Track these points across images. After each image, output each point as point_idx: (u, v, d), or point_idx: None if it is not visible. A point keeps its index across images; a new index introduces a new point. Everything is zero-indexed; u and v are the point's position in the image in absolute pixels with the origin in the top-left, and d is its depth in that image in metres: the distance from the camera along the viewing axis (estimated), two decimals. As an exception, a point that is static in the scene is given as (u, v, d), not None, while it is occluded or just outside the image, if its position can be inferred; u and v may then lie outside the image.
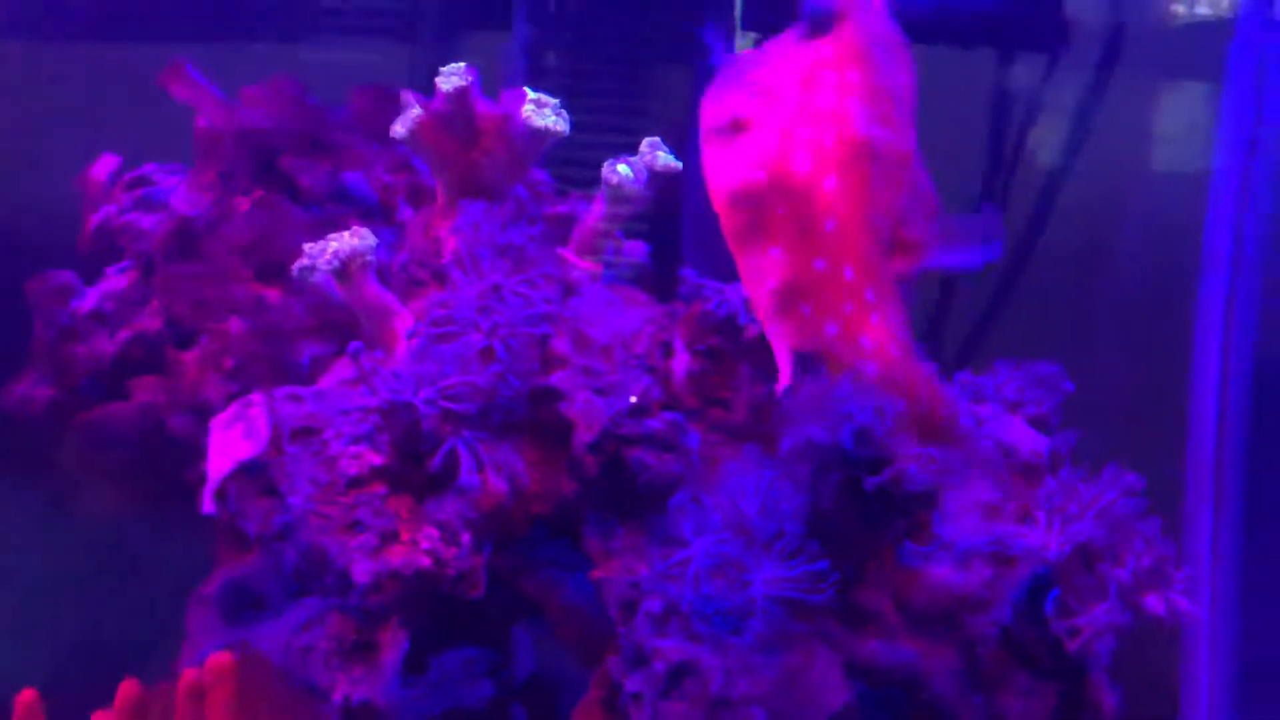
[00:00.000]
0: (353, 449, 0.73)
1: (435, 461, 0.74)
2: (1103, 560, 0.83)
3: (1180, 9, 1.20)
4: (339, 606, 0.78)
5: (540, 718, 0.89)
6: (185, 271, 0.90)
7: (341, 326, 0.87)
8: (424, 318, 0.79)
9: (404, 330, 0.81)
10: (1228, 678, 1.00)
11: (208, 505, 0.77)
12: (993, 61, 1.17)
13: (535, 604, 0.85)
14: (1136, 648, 0.83)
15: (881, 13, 0.65)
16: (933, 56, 1.13)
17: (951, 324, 1.13)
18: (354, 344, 0.77)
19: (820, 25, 0.64)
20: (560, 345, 0.80)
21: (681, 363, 0.84)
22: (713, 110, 0.65)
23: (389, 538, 0.72)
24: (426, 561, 0.73)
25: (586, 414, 0.78)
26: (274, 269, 0.89)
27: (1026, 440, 0.89)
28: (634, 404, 0.78)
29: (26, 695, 0.73)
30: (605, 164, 0.86)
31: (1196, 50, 1.17)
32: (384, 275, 0.85)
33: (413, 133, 0.81)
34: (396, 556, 0.72)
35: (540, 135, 0.82)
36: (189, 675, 0.77)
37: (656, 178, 0.87)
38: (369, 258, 0.80)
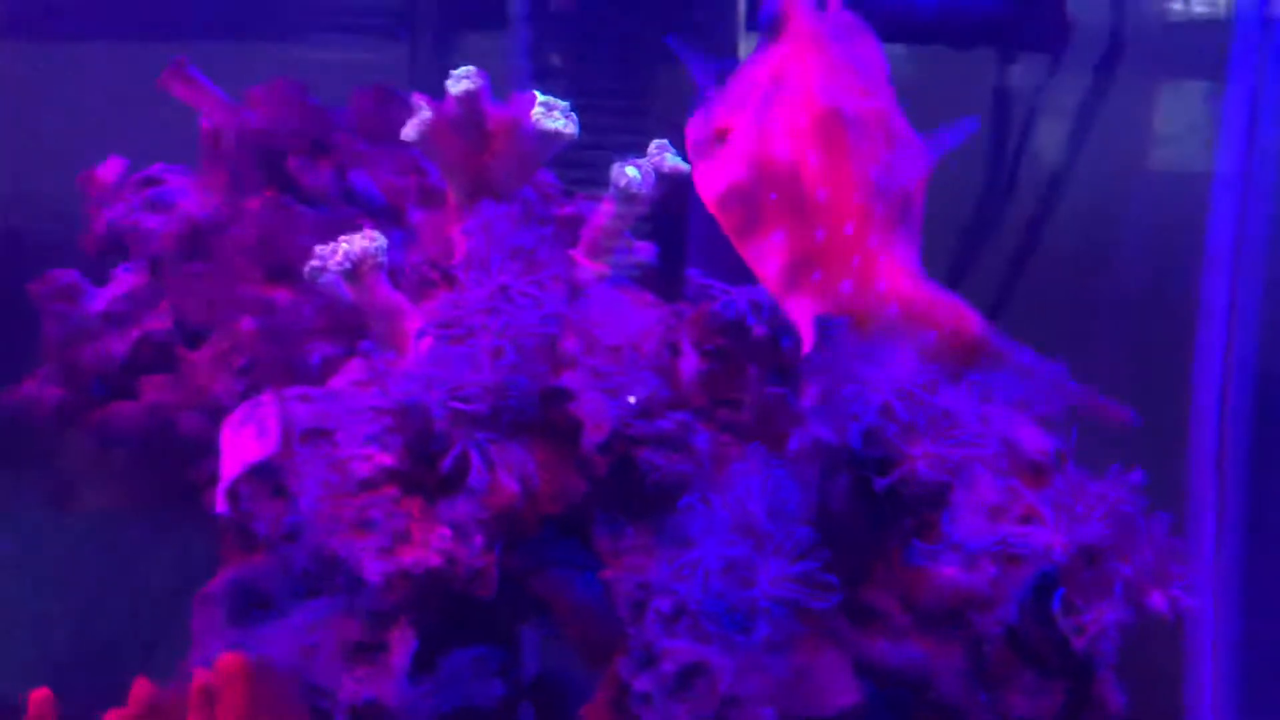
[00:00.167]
0: (364, 450, 0.74)
1: (447, 462, 0.74)
2: (1108, 558, 0.84)
3: (1180, 8, 1.21)
4: (347, 606, 0.78)
5: (549, 717, 0.89)
6: (195, 272, 0.90)
7: (352, 327, 0.87)
8: (435, 319, 0.79)
9: (415, 331, 0.81)
10: (1232, 677, 1.00)
11: (220, 506, 0.77)
12: (994, 62, 1.18)
13: (544, 603, 0.86)
14: (1142, 647, 0.84)
15: (835, 5, 0.68)
16: (935, 57, 1.14)
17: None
18: (366, 344, 0.77)
19: (773, 29, 0.67)
20: (570, 346, 0.81)
21: (690, 363, 0.84)
22: (695, 132, 0.68)
23: (401, 538, 0.73)
24: (438, 561, 0.73)
25: (596, 414, 0.78)
26: (283, 269, 0.90)
27: (1033, 439, 0.90)
28: (635, 403, 0.79)
29: (40, 693, 0.74)
30: (614, 166, 0.86)
31: (1198, 50, 1.17)
32: (395, 276, 0.85)
33: (423, 135, 0.81)
34: (408, 556, 0.73)
35: (550, 138, 0.82)
36: (200, 677, 0.77)
37: (664, 179, 0.88)
38: (380, 259, 0.80)
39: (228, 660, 0.75)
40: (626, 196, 0.87)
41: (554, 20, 1.18)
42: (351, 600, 0.76)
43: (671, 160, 0.88)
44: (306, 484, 0.74)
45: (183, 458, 1.00)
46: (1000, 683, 0.82)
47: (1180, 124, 1.26)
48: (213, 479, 0.94)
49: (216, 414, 0.90)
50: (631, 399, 0.81)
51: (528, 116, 0.82)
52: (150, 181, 1.00)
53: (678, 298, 0.90)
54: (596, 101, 1.16)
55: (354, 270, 0.80)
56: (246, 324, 0.88)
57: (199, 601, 0.89)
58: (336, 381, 0.81)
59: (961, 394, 0.90)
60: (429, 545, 0.73)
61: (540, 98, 0.83)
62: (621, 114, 1.15)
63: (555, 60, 1.19)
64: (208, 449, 0.97)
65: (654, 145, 0.88)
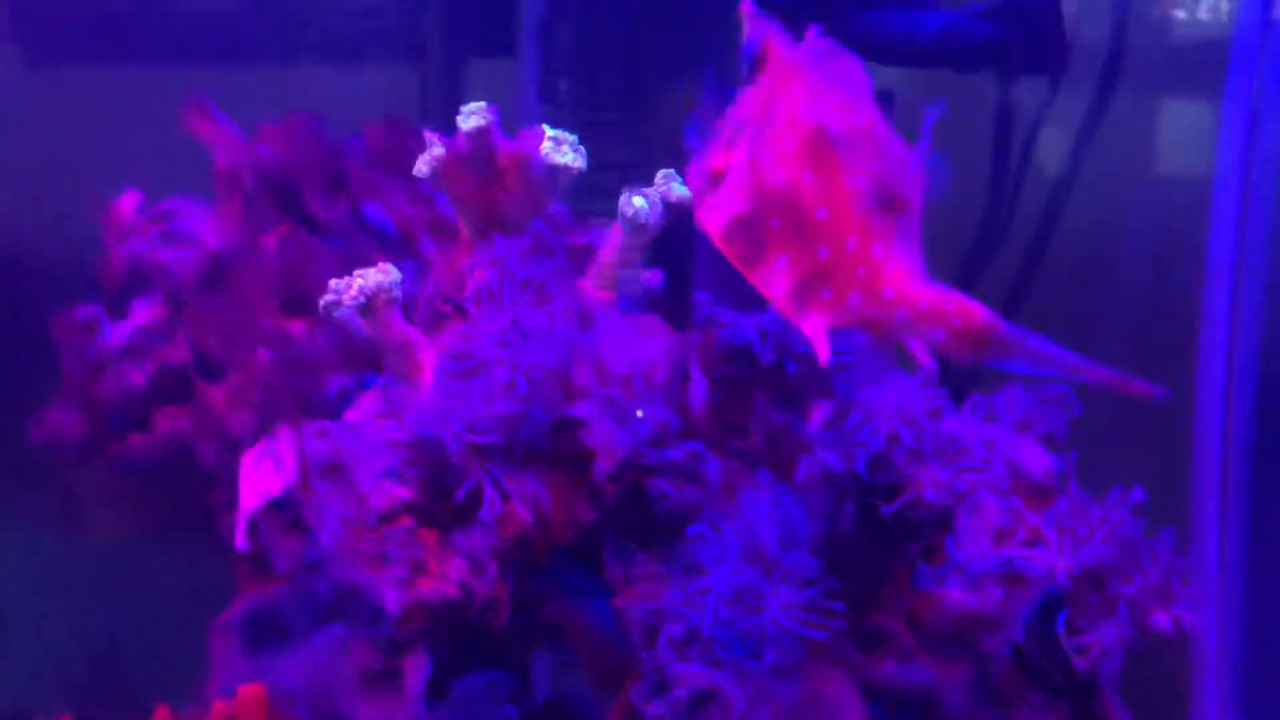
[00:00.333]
0: (381, 483, 0.75)
1: (460, 493, 0.76)
2: (1111, 579, 0.85)
3: (1180, 25, 1.22)
4: (363, 634, 0.80)
5: (562, 743, 0.90)
6: (213, 305, 0.92)
7: (367, 359, 0.89)
8: (449, 352, 0.81)
9: (429, 364, 0.83)
10: (1236, 695, 1.01)
11: (240, 541, 0.79)
12: (995, 84, 1.20)
13: (556, 628, 0.87)
14: (1146, 665, 0.85)
15: (812, 36, 0.70)
16: (938, 80, 1.15)
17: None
18: (381, 378, 0.79)
19: (755, 66, 0.69)
20: (581, 375, 0.82)
21: (699, 391, 0.86)
22: (694, 177, 0.71)
23: (418, 569, 0.74)
24: (454, 592, 0.75)
25: (607, 443, 0.80)
26: (300, 302, 0.91)
27: (1038, 460, 0.91)
28: (644, 418, 0.80)
29: (63, 720, 0.76)
30: (621, 197, 0.88)
31: (1197, 64, 1.19)
32: (408, 307, 0.87)
33: (435, 171, 0.83)
34: (425, 587, 0.74)
35: (559, 172, 0.84)
36: (219, 705, 0.79)
37: (671, 208, 0.89)
38: (394, 293, 0.82)
39: (248, 691, 0.77)
40: (634, 226, 0.89)
41: (562, 48, 1.20)
42: (368, 629, 0.78)
43: (678, 189, 0.89)
44: (325, 517, 0.75)
45: (199, 485, 1.02)
46: (1007, 703, 0.83)
47: (1180, 136, 1.27)
48: (228, 505, 0.96)
49: (233, 445, 0.92)
50: (639, 412, 0.82)
51: (537, 151, 0.84)
52: (167, 215, 1.02)
53: (686, 324, 0.92)
54: (604, 128, 1.18)
55: (369, 304, 0.81)
56: (263, 356, 0.90)
57: (216, 629, 0.90)
58: (352, 415, 0.82)
59: (965, 417, 0.92)
60: (445, 576, 0.74)
61: (549, 132, 0.84)
62: (629, 141, 1.17)
63: (563, 87, 1.20)
64: (224, 478, 0.99)
65: (660, 175, 0.89)
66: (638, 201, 0.88)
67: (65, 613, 1.27)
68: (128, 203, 1.06)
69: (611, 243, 0.90)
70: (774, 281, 0.68)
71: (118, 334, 0.99)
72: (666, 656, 0.76)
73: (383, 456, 0.76)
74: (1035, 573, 0.83)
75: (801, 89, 0.67)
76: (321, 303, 0.82)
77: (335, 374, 0.90)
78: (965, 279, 1.23)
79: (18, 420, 1.12)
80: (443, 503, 0.76)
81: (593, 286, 0.91)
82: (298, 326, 0.92)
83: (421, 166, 0.83)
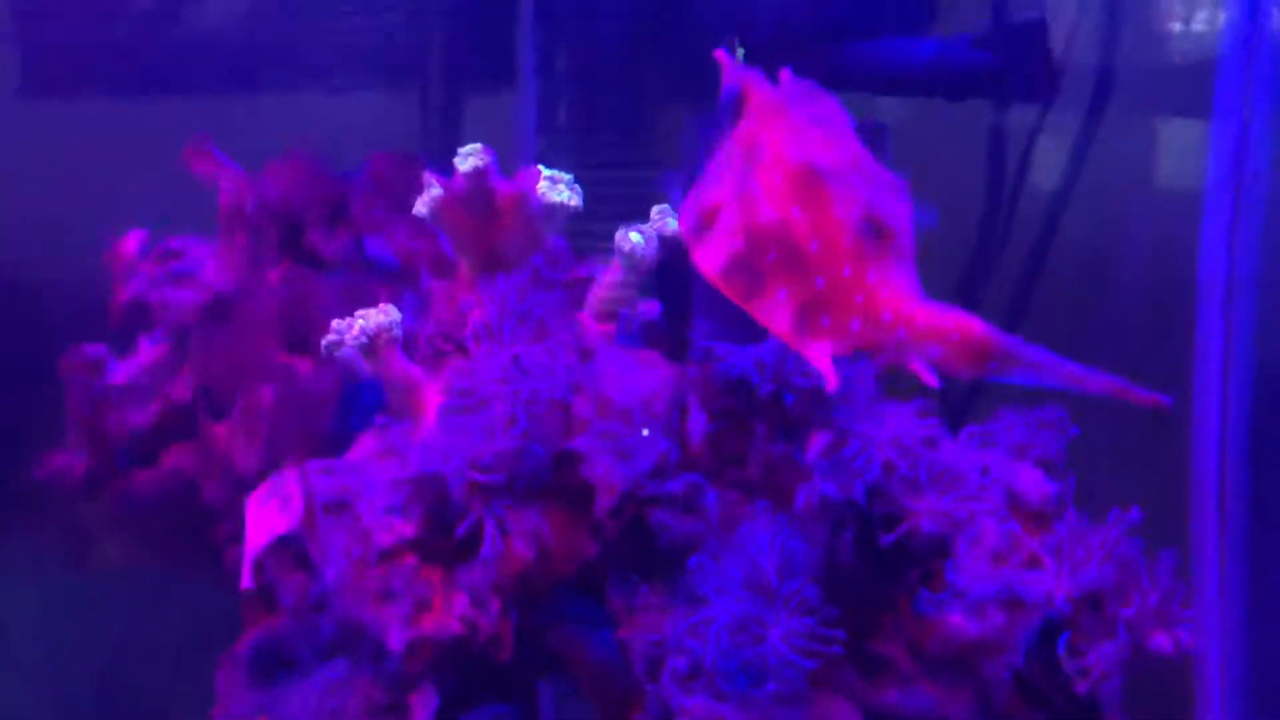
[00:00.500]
0: (385, 520, 0.76)
1: (461, 529, 0.76)
2: (1110, 601, 0.86)
3: (1168, 48, 1.24)
4: (370, 669, 0.81)
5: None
6: (217, 342, 0.93)
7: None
8: (450, 389, 0.82)
9: (430, 401, 0.84)
10: (1240, 712, 1.02)
11: (246, 580, 0.80)
12: (987, 111, 1.21)
13: (560, 660, 0.88)
14: (1149, 687, 0.85)
15: (787, 77, 0.71)
16: (932, 108, 1.17)
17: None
18: (380, 418, 0.80)
19: (735, 110, 0.71)
20: (581, 409, 0.83)
21: (698, 423, 0.87)
22: (687, 222, 0.72)
23: (422, 606, 0.75)
24: (458, 628, 0.75)
25: (607, 477, 0.80)
26: (303, 339, 0.92)
27: (1035, 485, 0.92)
28: (646, 436, 0.81)
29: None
30: (618, 232, 0.89)
31: (1186, 83, 1.20)
32: (410, 343, 0.88)
33: (434, 211, 0.84)
34: (429, 624, 0.75)
35: (556, 210, 0.85)
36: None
37: (666, 242, 0.91)
38: (395, 332, 0.83)
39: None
40: (631, 261, 0.90)
41: (562, 78, 1.22)
42: (374, 665, 0.79)
43: (673, 224, 0.90)
44: (330, 555, 0.76)
45: (203, 520, 1.03)
46: (1010, 728, 0.84)
47: (1172, 153, 1.28)
48: (232, 539, 0.97)
49: (238, 482, 0.93)
50: (645, 431, 0.83)
51: (534, 190, 0.85)
52: (172, 254, 1.03)
53: (684, 355, 0.93)
54: (601, 160, 1.20)
55: (370, 344, 0.83)
56: (267, 394, 0.91)
57: (223, 662, 0.91)
58: (356, 452, 0.83)
59: (962, 445, 0.93)
60: (450, 613, 0.75)
61: (545, 171, 0.86)
62: (625, 173, 1.18)
63: (562, 117, 1.22)
64: (229, 513, 1.00)
65: (656, 210, 0.91)
66: (634, 237, 0.89)
67: (72, 645, 1.27)
68: (131, 241, 1.08)
69: (609, 277, 0.91)
70: (776, 314, 0.69)
71: (123, 372, 1.01)
72: (671, 689, 0.77)
73: (387, 494, 0.77)
74: (1035, 597, 0.83)
75: (784, 128, 0.69)
76: (324, 343, 0.83)
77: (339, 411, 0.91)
78: (965, 299, 1.24)
79: (24, 455, 1.13)
80: (446, 539, 0.77)
81: (591, 320, 0.92)
82: (302, 364, 0.93)
83: (420, 207, 0.85)
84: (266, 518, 0.79)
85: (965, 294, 1.25)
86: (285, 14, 1.37)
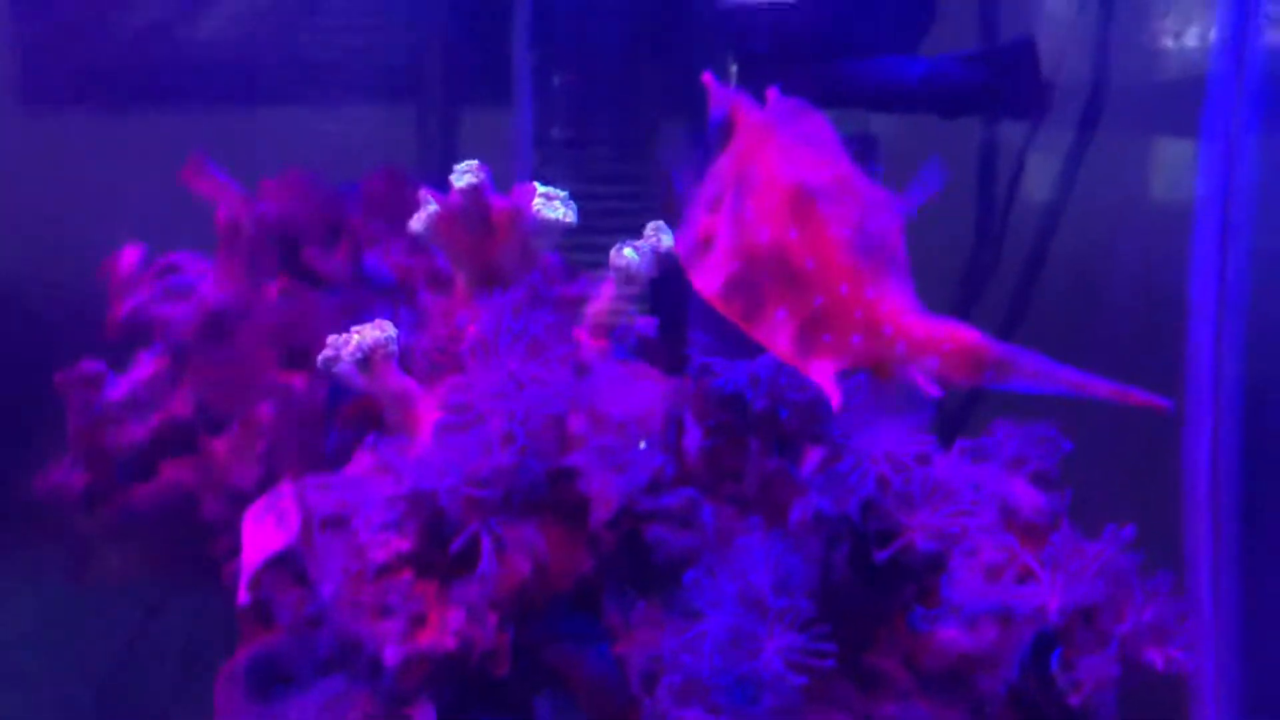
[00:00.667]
0: (381, 536, 0.77)
1: (456, 544, 0.77)
2: (1104, 615, 0.86)
3: (1159, 66, 1.25)
4: (367, 684, 0.81)
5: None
6: (215, 359, 0.94)
7: (367, 409, 0.90)
8: (446, 404, 0.82)
9: (427, 415, 0.84)
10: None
11: (243, 597, 0.80)
12: (979, 127, 1.22)
13: (557, 674, 0.88)
14: (1145, 696, 0.86)
15: (774, 97, 0.72)
16: (924, 124, 1.18)
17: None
18: (371, 436, 0.81)
19: (724, 133, 0.72)
20: (577, 425, 0.84)
21: (694, 439, 0.87)
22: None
23: (417, 621, 0.75)
24: (454, 643, 0.76)
25: (604, 492, 0.81)
26: (300, 355, 0.93)
27: (1028, 499, 0.93)
28: (644, 448, 0.82)
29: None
30: (613, 249, 0.90)
31: (1177, 100, 1.21)
32: (406, 357, 0.89)
33: (429, 228, 0.85)
34: (425, 639, 0.75)
35: (551, 226, 0.86)
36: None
37: (661, 258, 0.91)
38: (391, 348, 0.83)
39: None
40: (626, 277, 0.91)
41: (557, 94, 1.23)
42: (371, 680, 0.79)
43: (667, 240, 0.91)
44: (327, 571, 0.76)
45: (201, 534, 1.03)
46: (1004, 742, 0.84)
47: (1161, 173, 1.29)
48: (231, 553, 0.97)
49: (236, 497, 0.94)
50: (642, 443, 0.84)
51: (529, 207, 0.86)
52: (169, 269, 1.03)
53: (680, 370, 0.93)
54: (596, 176, 1.20)
55: (366, 360, 0.83)
56: (265, 410, 0.91)
57: (222, 676, 0.91)
58: (353, 467, 0.84)
59: (955, 460, 0.93)
60: (445, 628, 0.75)
61: (540, 188, 0.86)
62: (620, 188, 1.19)
63: (557, 133, 1.23)
64: (226, 527, 1.00)
65: (650, 227, 0.91)
66: (628, 253, 0.90)
67: (71, 657, 1.27)
68: (129, 257, 1.08)
69: (604, 293, 0.92)
70: (777, 334, 0.70)
71: (121, 388, 1.01)
72: (667, 704, 0.77)
73: (383, 509, 0.78)
74: (1028, 611, 0.84)
75: (774, 150, 0.70)
76: (320, 359, 0.84)
77: (335, 425, 0.91)
78: (957, 314, 1.24)
79: (23, 468, 1.14)
80: (442, 554, 0.77)
81: (587, 335, 0.93)
82: (298, 380, 0.93)
83: (416, 224, 0.85)
84: (263, 534, 0.79)
85: (957, 309, 1.26)
86: (283, 30, 1.38)
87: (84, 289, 1.19)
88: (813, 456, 0.88)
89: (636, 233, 0.94)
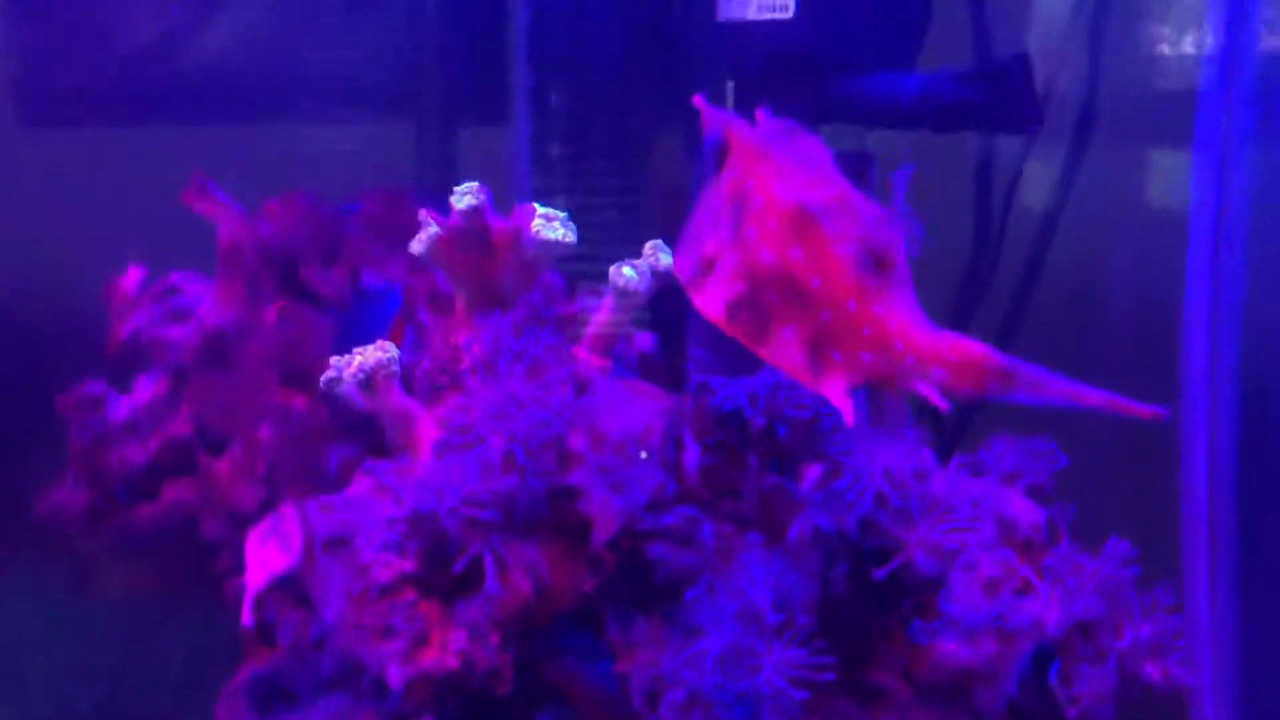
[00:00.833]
0: (383, 557, 0.77)
1: (459, 565, 0.77)
2: (1102, 630, 0.86)
3: (1151, 80, 1.26)
4: (370, 706, 0.81)
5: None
6: (216, 381, 0.94)
7: (367, 428, 0.91)
8: (446, 425, 0.83)
9: (428, 435, 0.85)
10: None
11: (246, 619, 0.80)
12: (974, 142, 1.23)
13: (559, 691, 0.88)
14: (1143, 711, 0.86)
15: (763, 118, 0.73)
16: (920, 140, 1.19)
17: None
18: (368, 461, 0.81)
19: (719, 155, 0.72)
20: (576, 443, 0.84)
21: (692, 456, 0.88)
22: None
23: (420, 642, 0.76)
24: (456, 663, 0.76)
25: (604, 511, 0.81)
26: (300, 376, 0.94)
27: (1026, 513, 0.93)
28: (645, 458, 0.82)
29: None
30: (612, 267, 0.91)
31: (1170, 116, 1.22)
32: (406, 377, 0.89)
33: (430, 249, 0.86)
34: (428, 659, 0.76)
35: (550, 247, 0.87)
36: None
37: (659, 276, 0.92)
38: (392, 369, 0.84)
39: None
40: (624, 295, 0.91)
41: (555, 112, 1.24)
42: (374, 701, 0.79)
43: (665, 258, 0.92)
44: (329, 592, 0.77)
45: (202, 552, 1.03)
46: (1004, 757, 0.85)
47: (1156, 184, 1.30)
48: (231, 570, 0.98)
49: (237, 519, 0.94)
50: (643, 454, 0.84)
51: (528, 227, 0.86)
52: (170, 291, 1.04)
53: (680, 387, 0.94)
54: (594, 192, 1.21)
55: (368, 380, 0.84)
56: (265, 431, 0.92)
57: (224, 694, 0.91)
58: (355, 488, 0.84)
59: (952, 475, 0.94)
60: (447, 648, 0.76)
61: (539, 209, 0.87)
62: (619, 205, 1.20)
63: (554, 151, 1.24)
64: (227, 547, 1.00)
65: (649, 246, 0.92)
66: (627, 272, 0.91)
67: (73, 673, 1.28)
68: (130, 278, 1.09)
69: (603, 311, 0.93)
70: (786, 352, 0.70)
71: (122, 409, 1.02)
72: (668, 721, 0.77)
73: (385, 530, 0.78)
74: (1027, 625, 0.84)
75: (771, 172, 0.70)
76: (323, 380, 0.84)
77: (336, 444, 0.92)
78: (956, 325, 1.25)
79: (25, 486, 1.14)
80: (444, 575, 0.77)
81: (587, 354, 0.94)
82: (299, 400, 0.94)
83: (417, 245, 0.86)
84: (266, 556, 0.80)
85: (955, 321, 1.26)
86: (282, 49, 1.39)
87: (85, 309, 1.20)
88: (811, 473, 0.89)
89: (634, 247, 0.95)
